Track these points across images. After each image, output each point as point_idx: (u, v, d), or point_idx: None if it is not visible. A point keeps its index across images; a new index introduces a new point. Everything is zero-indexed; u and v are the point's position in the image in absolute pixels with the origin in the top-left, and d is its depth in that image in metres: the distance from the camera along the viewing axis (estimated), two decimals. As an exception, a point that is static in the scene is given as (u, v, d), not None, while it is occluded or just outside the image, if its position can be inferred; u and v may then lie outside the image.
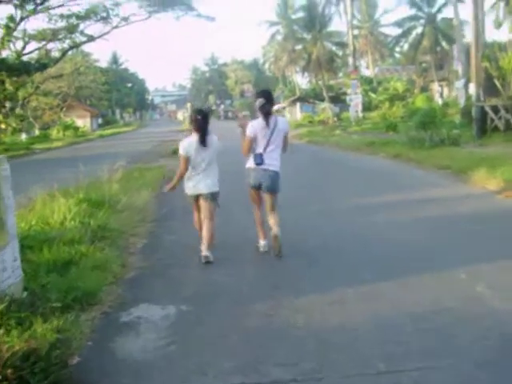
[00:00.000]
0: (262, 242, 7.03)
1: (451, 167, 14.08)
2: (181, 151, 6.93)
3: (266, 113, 6.81)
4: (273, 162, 6.84)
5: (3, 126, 34.98)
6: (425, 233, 7.58)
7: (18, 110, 41.79)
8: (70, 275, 5.59)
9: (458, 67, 32.86)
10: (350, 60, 42.52)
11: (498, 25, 22.57)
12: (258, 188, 6.93)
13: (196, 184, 6.94)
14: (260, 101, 6.81)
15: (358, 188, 12.09)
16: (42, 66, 32.46)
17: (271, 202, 6.94)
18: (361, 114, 42.02)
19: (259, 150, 6.80)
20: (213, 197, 6.96)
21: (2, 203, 4.91)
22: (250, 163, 6.90)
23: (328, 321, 4.68)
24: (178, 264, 6.63)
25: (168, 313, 4.98)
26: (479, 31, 22.17)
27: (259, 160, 6.75)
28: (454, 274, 5.74)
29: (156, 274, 6.24)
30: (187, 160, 6.88)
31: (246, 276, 6.08)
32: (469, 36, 41.07)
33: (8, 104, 32.74)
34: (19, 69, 29.97)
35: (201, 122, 6.85)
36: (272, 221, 6.89)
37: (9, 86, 31.73)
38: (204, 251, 6.71)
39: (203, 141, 6.81)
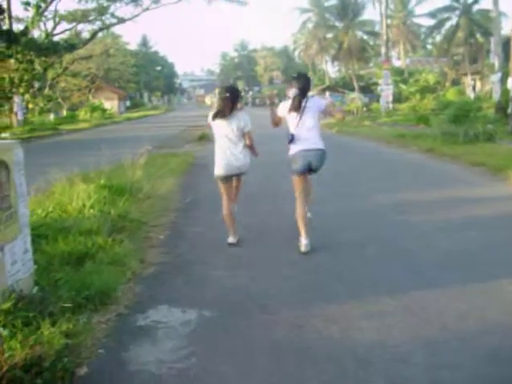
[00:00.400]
0: (303, 241, 6.49)
1: (486, 164, 13.46)
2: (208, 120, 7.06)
3: (298, 101, 6.57)
4: (313, 140, 6.60)
5: (31, 106, 34.85)
6: (468, 237, 7.00)
7: (46, 91, 41.73)
8: (84, 270, 5.20)
9: (495, 60, 31.83)
10: (383, 49, 41.60)
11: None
12: (305, 172, 6.68)
13: (228, 163, 6.78)
14: (294, 92, 6.59)
15: (392, 183, 11.53)
16: (70, 46, 32.18)
17: (310, 183, 6.99)
18: (391, 106, 41.17)
19: (291, 130, 6.62)
20: (244, 174, 7.06)
21: (14, 191, 4.51)
22: (293, 149, 6.65)
23: (366, 335, 4.21)
24: (201, 261, 6.15)
25: (189, 318, 4.52)
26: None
27: (290, 138, 6.56)
28: (503, 285, 5.24)
29: (177, 271, 5.77)
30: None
31: (275, 278, 5.59)
32: (507, 29, 40.12)
33: (36, 84, 32.49)
34: (48, 48, 29.69)
35: (227, 99, 6.76)
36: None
37: (37, 66, 31.47)
38: (231, 237, 6.88)
39: (227, 114, 6.73)
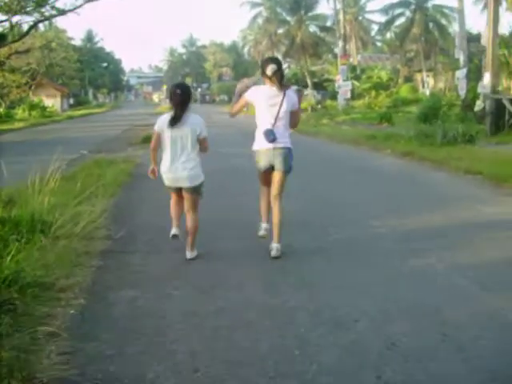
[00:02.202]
0: (263, 225, 6.32)
1: (483, 172, 11.38)
2: (155, 127, 6.13)
3: (279, 80, 5.90)
4: (284, 138, 5.97)
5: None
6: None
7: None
8: None
9: (460, 55, 30.11)
10: (340, 44, 39.55)
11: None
12: (269, 170, 6.08)
13: (175, 175, 5.95)
14: (272, 67, 5.87)
15: (379, 200, 9.26)
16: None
17: (280, 184, 6.08)
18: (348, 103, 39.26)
19: (266, 125, 5.90)
20: (196, 190, 6.06)
21: None
22: (258, 144, 6.04)
23: None
24: (130, 374, 3.52)
25: None
26: (496, 16, 19.46)
27: (271, 136, 5.84)
28: None
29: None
30: (158, 137, 6.07)
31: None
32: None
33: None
34: (-27, 39, 26.44)
35: (179, 97, 5.91)
36: (276, 208, 6.09)
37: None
38: (188, 252, 6.00)
39: (176, 118, 5.87)
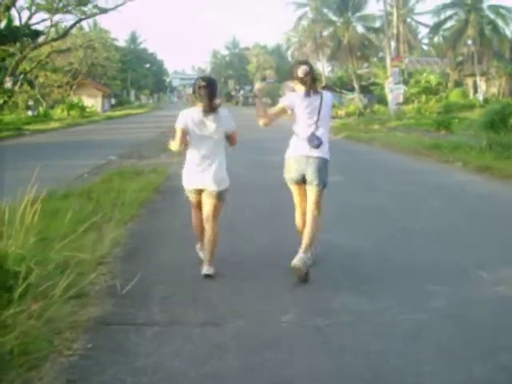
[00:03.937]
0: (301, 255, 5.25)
1: None
2: (177, 123, 5.51)
3: (311, 83, 5.36)
4: (324, 147, 5.38)
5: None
6: None
7: (17, 86, 37.31)
8: None
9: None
10: (392, 44, 37.24)
11: None
12: (300, 182, 5.47)
13: (199, 176, 5.43)
14: (304, 68, 5.37)
15: (477, 238, 6.84)
16: (33, 33, 27.50)
17: (316, 202, 5.43)
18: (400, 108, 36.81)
19: (307, 131, 5.32)
20: (221, 195, 5.49)
21: None
22: (292, 151, 5.48)
23: None
24: None
25: None
26: None
27: (316, 141, 5.27)
28: None
29: None
30: (184, 133, 5.48)
31: None
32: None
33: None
34: (6, 35, 25.06)
35: (205, 90, 5.27)
36: (309, 230, 5.29)
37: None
38: (205, 266, 5.23)
39: (207, 110, 5.28)
